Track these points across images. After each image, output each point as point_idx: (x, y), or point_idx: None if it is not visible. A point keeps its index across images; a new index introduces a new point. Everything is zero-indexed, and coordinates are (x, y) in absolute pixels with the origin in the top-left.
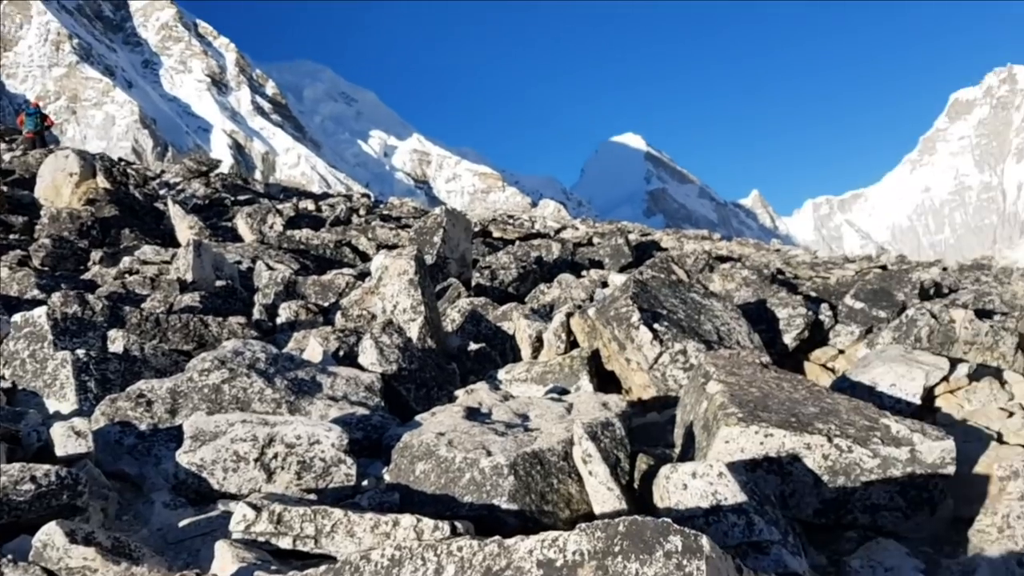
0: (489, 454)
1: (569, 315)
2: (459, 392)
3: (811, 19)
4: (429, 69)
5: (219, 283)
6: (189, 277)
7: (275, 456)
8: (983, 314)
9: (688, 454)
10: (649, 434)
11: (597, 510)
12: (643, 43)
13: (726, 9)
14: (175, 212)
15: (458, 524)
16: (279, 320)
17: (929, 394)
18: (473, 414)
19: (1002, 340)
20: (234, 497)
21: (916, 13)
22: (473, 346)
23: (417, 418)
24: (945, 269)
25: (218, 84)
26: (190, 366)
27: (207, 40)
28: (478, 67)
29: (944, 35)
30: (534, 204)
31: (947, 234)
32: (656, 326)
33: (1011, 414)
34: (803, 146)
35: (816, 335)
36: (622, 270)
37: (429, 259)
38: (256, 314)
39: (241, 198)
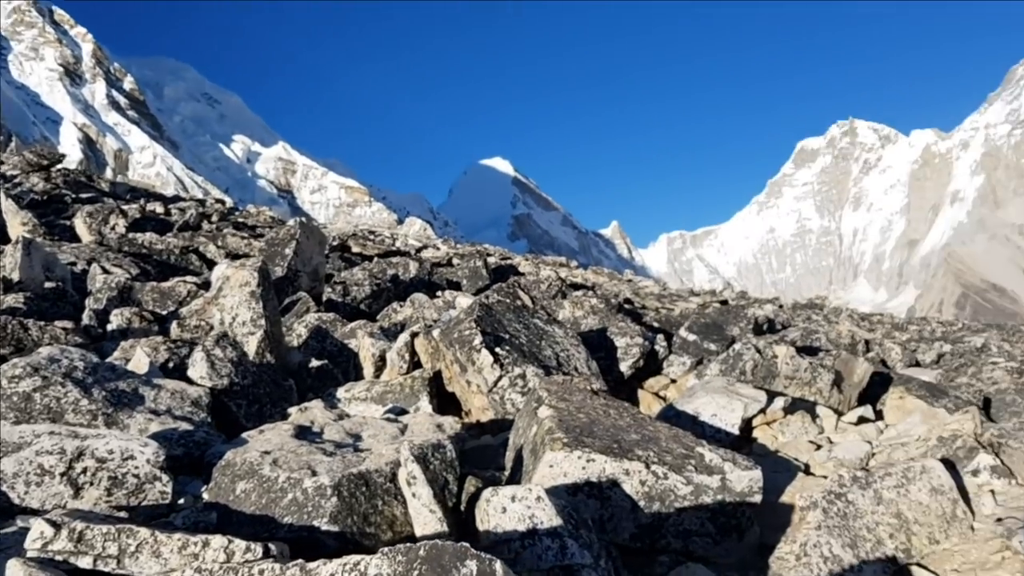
0: (314, 474)
1: (414, 335)
2: (293, 410)
3: (668, 63)
4: (298, 77)
5: (48, 284)
6: (16, 276)
7: (84, 471)
8: (810, 351)
9: (516, 477)
10: (483, 456)
11: (418, 532)
12: (515, 69)
13: (593, 49)
14: (7, 207)
15: (272, 546)
16: (110, 327)
17: (747, 425)
18: (303, 433)
19: (819, 376)
20: (36, 513)
21: (768, 62)
22: (315, 363)
23: (244, 435)
24: (781, 307)
25: (72, 75)
26: (0, 372)
27: (63, 28)
28: (350, 79)
29: (793, 84)
30: (400, 221)
31: (788, 273)
32: (498, 350)
33: (819, 447)
34: (661, 182)
35: (651, 364)
36: (479, 292)
37: (280, 271)
38: (86, 319)
39: (84, 196)
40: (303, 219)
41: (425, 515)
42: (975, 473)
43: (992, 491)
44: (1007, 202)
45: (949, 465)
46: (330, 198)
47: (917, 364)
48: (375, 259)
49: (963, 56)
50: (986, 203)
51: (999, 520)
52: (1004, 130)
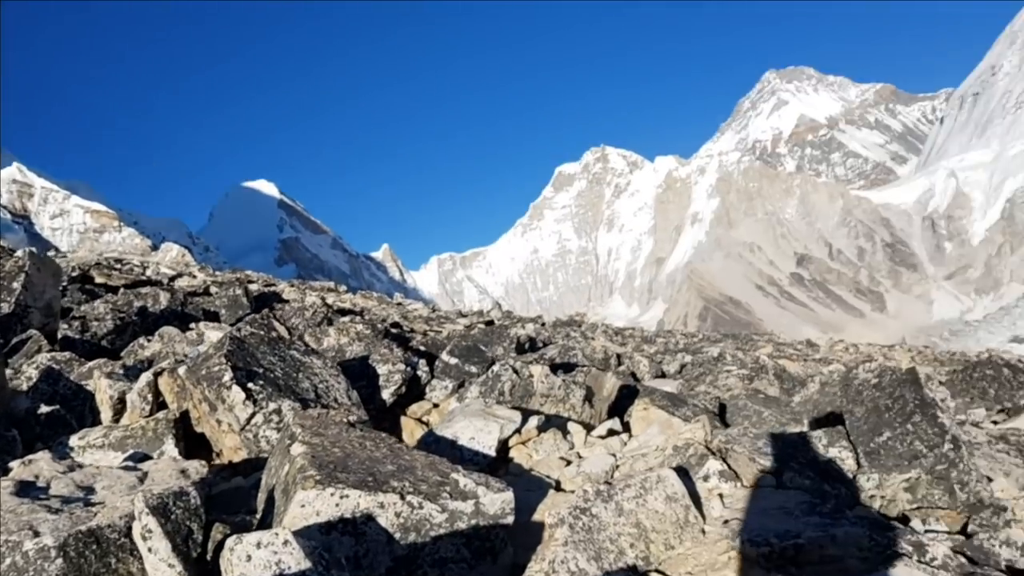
0: (36, 535)
1: (158, 374)
2: (15, 463)
3: (436, 91)
4: (35, 90)
5: None
6: None
7: None
8: (567, 367)
9: (268, 520)
10: (235, 500)
11: None
12: (278, 88)
13: (360, 73)
14: None
15: None
16: None
17: (504, 446)
18: (26, 489)
19: (572, 393)
20: None
21: (530, 91)
22: (45, 408)
23: None
24: (543, 325)
25: None
26: None
27: None
28: (98, 95)
29: (552, 112)
30: (155, 247)
31: (551, 291)
32: (251, 385)
33: (569, 463)
34: (431, 205)
35: (414, 390)
36: (238, 322)
37: (6, 308)
38: None
39: None
40: (32, 249)
41: (163, 570)
42: (705, 478)
43: (720, 495)
44: (739, 223)
45: (683, 472)
46: (74, 223)
47: (663, 375)
48: (121, 290)
49: (698, 88)
50: (721, 224)
51: (726, 522)
52: (735, 157)
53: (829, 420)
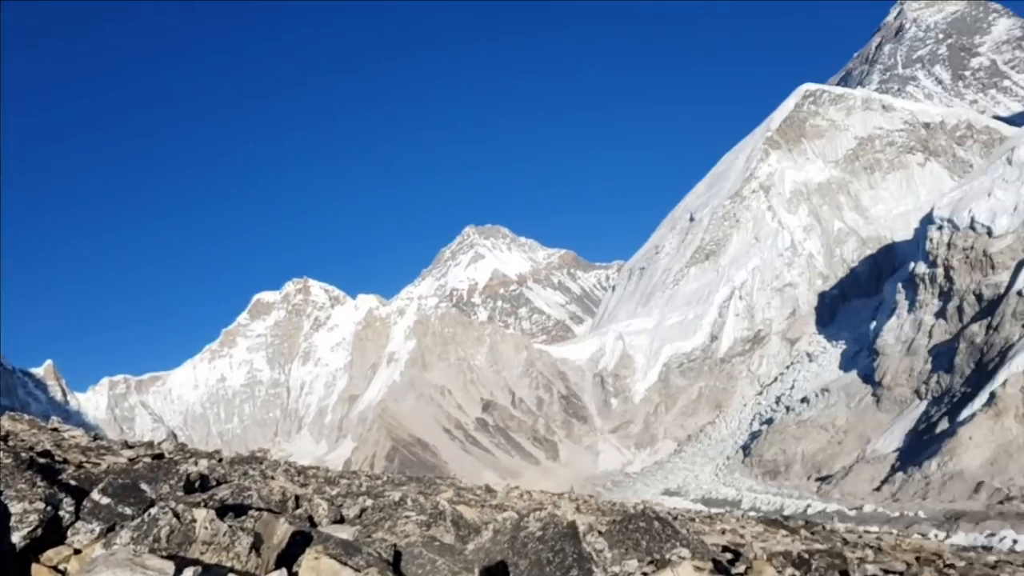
0: None
1: None
2: None
3: (125, 200)
4: None
5: None
6: None
7: None
8: (240, 509)
9: None
10: None
11: None
12: None
13: (43, 162)
14: None
15: None
16: None
17: None
18: None
19: (238, 540)
20: None
21: (227, 214)
22: None
23: None
24: (220, 460)
25: None
26: None
27: None
28: None
29: (245, 241)
30: None
31: (236, 424)
32: None
33: None
34: (108, 321)
35: (55, 532)
36: None
37: None
38: None
39: None
40: None
41: None
42: None
43: None
44: (433, 365)
45: None
46: None
47: (342, 519)
48: None
49: (404, 233)
50: (416, 365)
51: None
52: (433, 302)
53: (499, 569)
